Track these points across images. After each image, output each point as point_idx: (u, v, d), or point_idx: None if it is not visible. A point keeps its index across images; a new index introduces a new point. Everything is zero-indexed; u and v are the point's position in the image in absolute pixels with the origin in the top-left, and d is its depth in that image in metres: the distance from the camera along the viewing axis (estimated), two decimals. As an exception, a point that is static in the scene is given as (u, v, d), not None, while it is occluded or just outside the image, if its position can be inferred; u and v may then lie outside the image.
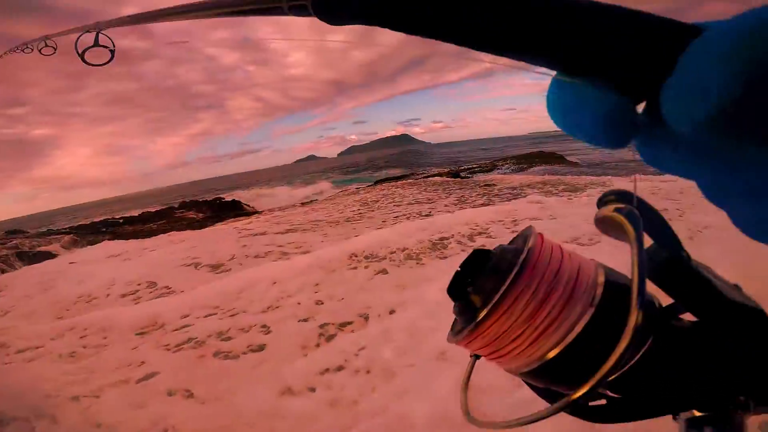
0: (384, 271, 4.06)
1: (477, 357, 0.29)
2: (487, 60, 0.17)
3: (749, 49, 0.11)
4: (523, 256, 0.23)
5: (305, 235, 7.52)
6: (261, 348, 2.89)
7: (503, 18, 0.15)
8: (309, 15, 0.22)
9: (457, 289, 0.26)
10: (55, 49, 1.60)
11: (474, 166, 21.33)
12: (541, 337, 0.23)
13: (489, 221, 5.43)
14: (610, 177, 10.45)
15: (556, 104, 0.17)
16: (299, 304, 3.50)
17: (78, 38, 0.98)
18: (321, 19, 0.21)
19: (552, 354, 0.22)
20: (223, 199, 23.95)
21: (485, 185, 11.00)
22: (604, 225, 0.23)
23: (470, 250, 0.27)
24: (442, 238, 4.88)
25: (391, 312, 3.13)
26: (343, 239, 5.94)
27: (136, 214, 22.81)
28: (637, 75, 0.14)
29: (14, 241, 11.05)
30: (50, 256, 9.70)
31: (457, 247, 4.56)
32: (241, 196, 27.08)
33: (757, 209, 0.15)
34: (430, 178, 15.00)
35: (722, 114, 0.12)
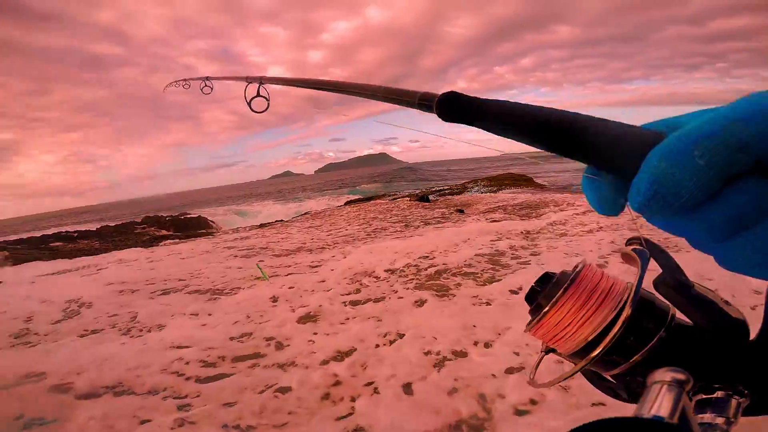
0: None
1: (547, 352, 0.41)
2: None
3: (654, 168, 0.20)
4: (572, 276, 0.36)
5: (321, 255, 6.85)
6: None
7: (549, 134, 0.28)
8: (431, 112, 0.41)
9: (532, 296, 0.39)
10: (212, 89, 1.85)
11: (445, 187, 21.37)
12: (583, 326, 0.34)
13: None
14: (569, 195, 10.84)
15: (583, 189, 0.27)
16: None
17: (246, 87, 1.21)
18: (439, 116, 0.40)
19: (590, 338, 0.34)
20: (189, 214, 23.08)
21: (454, 208, 10.91)
22: (626, 258, 0.35)
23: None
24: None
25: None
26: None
27: (94, 229, 21.44)
28: (624, 172, 0.23)
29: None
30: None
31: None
32: (210, 212, 26.06)
33: (715, 253, 0.22)
34: (398, 200, 14.85)
35: (642, 205, 0.21)
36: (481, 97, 0.38)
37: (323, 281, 4.83)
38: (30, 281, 7.38)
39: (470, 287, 4.04)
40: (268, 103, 1.24)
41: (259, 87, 1.20)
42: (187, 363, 3.02)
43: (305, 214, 16.03)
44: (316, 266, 5.74)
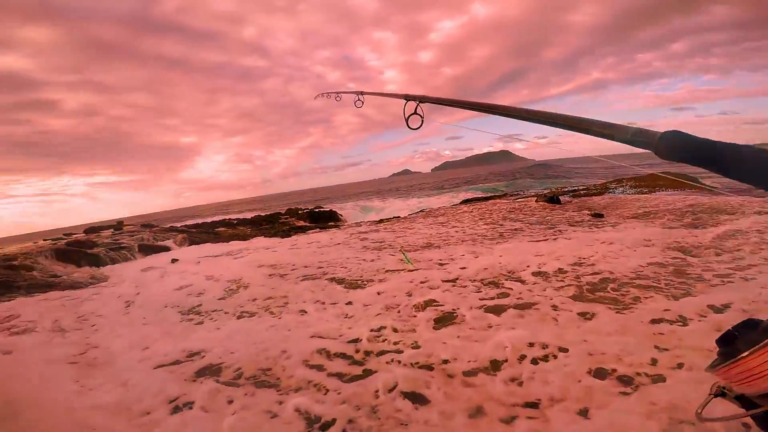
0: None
1: (717, 395, 0.47)
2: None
3: None
4: None
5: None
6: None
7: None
8: (647, 149, 0.49)
9: (727, 340, 0.43)
10: (363, 103, 2.15)
11: (580, 187, 18.81)
12: None
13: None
14: (753, 198, 8.08)
15: None
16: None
17: (405, 105, 1.29)
18: (659, 156, 0.48)
19: None
20: (321, 208, 25.24)
21: (589, 212, 9.17)
22: None
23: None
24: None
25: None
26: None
27: (249, 217, 24.76)
28: None
29: (142, 234, 12.91)
30: (165, 249, 11.05)
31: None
32: (339, 207, 27.96)
33: None
34: (521, 201, 13.51)
35: None
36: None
37: (455, 279, 4.46)
38: (199, 260, 8.75)
39: (654, 301, 3.18)
40: (422, 121, 1.32)
41: (417, 105, 1.28)
42: (328, 356, 2.95)
43: (420, 211, 15.82)
44: (445, 263, 5.39)
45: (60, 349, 3.73)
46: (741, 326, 0.44)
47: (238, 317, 4.20)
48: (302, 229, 13.78)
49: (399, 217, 14.49)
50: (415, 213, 15.50)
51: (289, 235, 11.89)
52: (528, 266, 4.62)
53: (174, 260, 9.04)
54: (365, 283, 4.89)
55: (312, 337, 3.31)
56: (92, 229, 17.40)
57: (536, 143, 1.51)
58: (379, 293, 4.30)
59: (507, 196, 17.46)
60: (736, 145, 0.41)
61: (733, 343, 0.42)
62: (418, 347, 2.89)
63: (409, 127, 1.34)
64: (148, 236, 12.62)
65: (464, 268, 4.90)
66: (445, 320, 3.33)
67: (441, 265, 5.34)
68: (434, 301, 3.78)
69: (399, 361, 2.71)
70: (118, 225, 17.90)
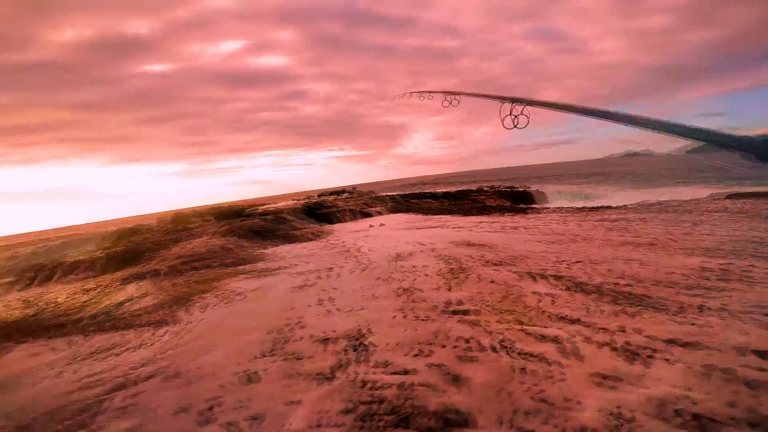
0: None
1: None
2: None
3: None
4: None
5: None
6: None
7: None
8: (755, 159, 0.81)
9: None
10: (455, 103, 3.42)
11: None
12: None
13: None
14: None
15: None
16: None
17: (501, 106, 1.53)
18: (761, 161, 0.81)
19: None
20: (515, 188, 22.68)
21: None
22: None
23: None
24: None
25: None
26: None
27: (440, 192, 24.84)
28: None
29: (362, 200, 15.78)
30: (376, 214, 13.26)
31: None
32: (540, 187, 24.88)
33: None
34: None
35: None
36: None
37: None
38: (401, 228, 9.70)
39: None
40: (528, 121, 1.40)
41: (523, 108, 1.36)
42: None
43: (657, 202, 12.47)
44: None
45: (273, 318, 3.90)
46: None
47: (459, 320, 3.20)
48: (502, 209, 13.11)
49: (625, 206, 11.93)
50: (649, 203, 12.24)
51: (485, 214, 11.89)
52: None
53: (381, 225, 10.71)
54: (663, 302, 3.23)
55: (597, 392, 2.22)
56: (334, 192, 22.15)
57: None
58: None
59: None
60: None
61: None
62: None
63: (504, 127, 1.41)
64: (366, 201, 15.34)
65: None
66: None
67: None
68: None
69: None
70: (350, 191, 22.10)
